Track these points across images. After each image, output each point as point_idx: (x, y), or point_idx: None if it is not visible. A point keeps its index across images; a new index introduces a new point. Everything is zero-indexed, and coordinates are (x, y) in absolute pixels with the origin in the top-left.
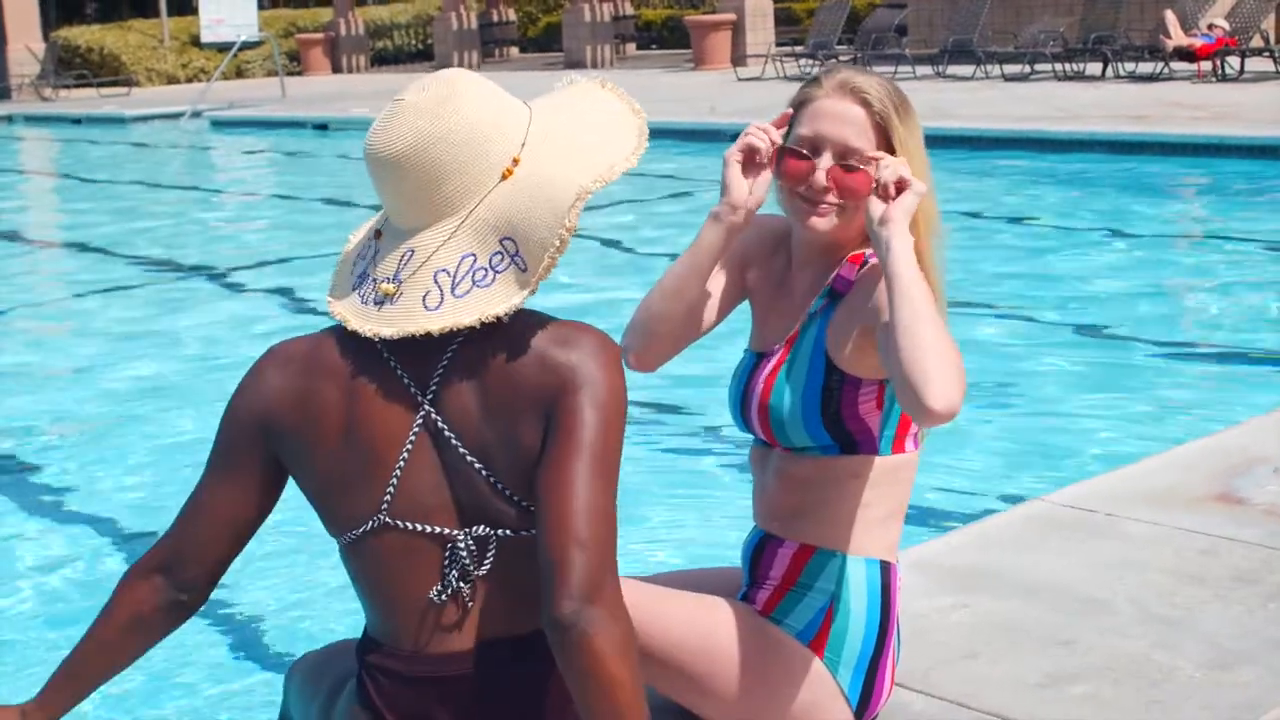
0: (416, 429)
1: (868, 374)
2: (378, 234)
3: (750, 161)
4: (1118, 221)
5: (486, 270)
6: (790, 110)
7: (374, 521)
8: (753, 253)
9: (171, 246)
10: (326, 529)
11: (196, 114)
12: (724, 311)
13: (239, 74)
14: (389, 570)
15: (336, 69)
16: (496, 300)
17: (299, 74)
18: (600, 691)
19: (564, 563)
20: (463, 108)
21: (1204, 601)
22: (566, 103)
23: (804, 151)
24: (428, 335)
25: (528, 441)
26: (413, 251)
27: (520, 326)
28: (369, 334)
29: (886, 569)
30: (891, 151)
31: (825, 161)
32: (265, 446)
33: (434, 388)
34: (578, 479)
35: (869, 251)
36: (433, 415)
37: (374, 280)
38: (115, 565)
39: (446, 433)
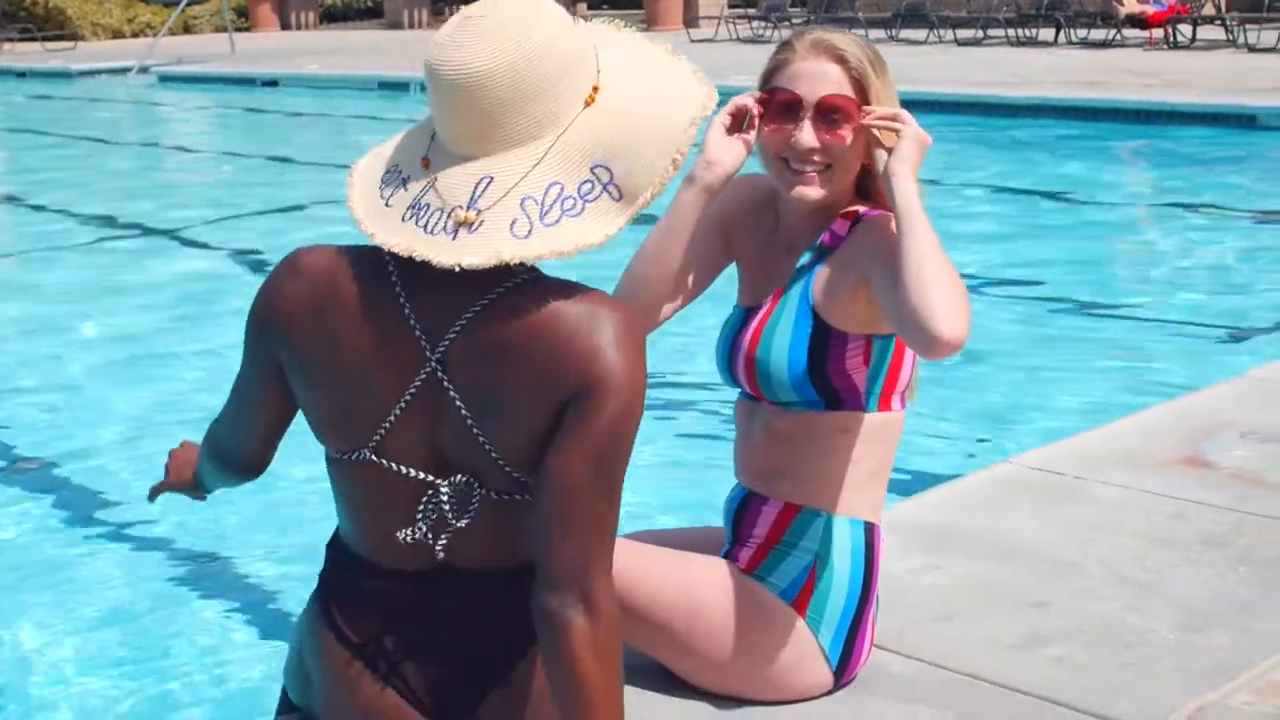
0: (419, 382)
1: (855, 328)
2: (425, 161)
3: (736, 126)
4: (1074, 187)
5: (575, 199)
6: (762, 96)
7: (360, 454)
8: (737, 212)
9: (121, 203)
10: (314, 434)
11: (144, 69)
12: (710, 274)
13: (186, 30)
14: (367, 499)
15: (285, 25)
16: (590, 230)
17: (247, 30)
18: (573, 687)
19: (556, 555)
20: (547, 28)
21: (1174, 565)
22: (611, 38)
23: (784, 111)
24: (521, 264)
25: (535, 423)
26: (491, 178)
27: (544, 296)
28: (449, 264)
29: (870, 530)
30: None
31: (808, 122)
32: (274, 351)
33: (445, 344)
34: (584, 478)
35: (862, 209)
36: (438, 373)
37: (443, 210)
38: (88, 530)
39: (451, 393)
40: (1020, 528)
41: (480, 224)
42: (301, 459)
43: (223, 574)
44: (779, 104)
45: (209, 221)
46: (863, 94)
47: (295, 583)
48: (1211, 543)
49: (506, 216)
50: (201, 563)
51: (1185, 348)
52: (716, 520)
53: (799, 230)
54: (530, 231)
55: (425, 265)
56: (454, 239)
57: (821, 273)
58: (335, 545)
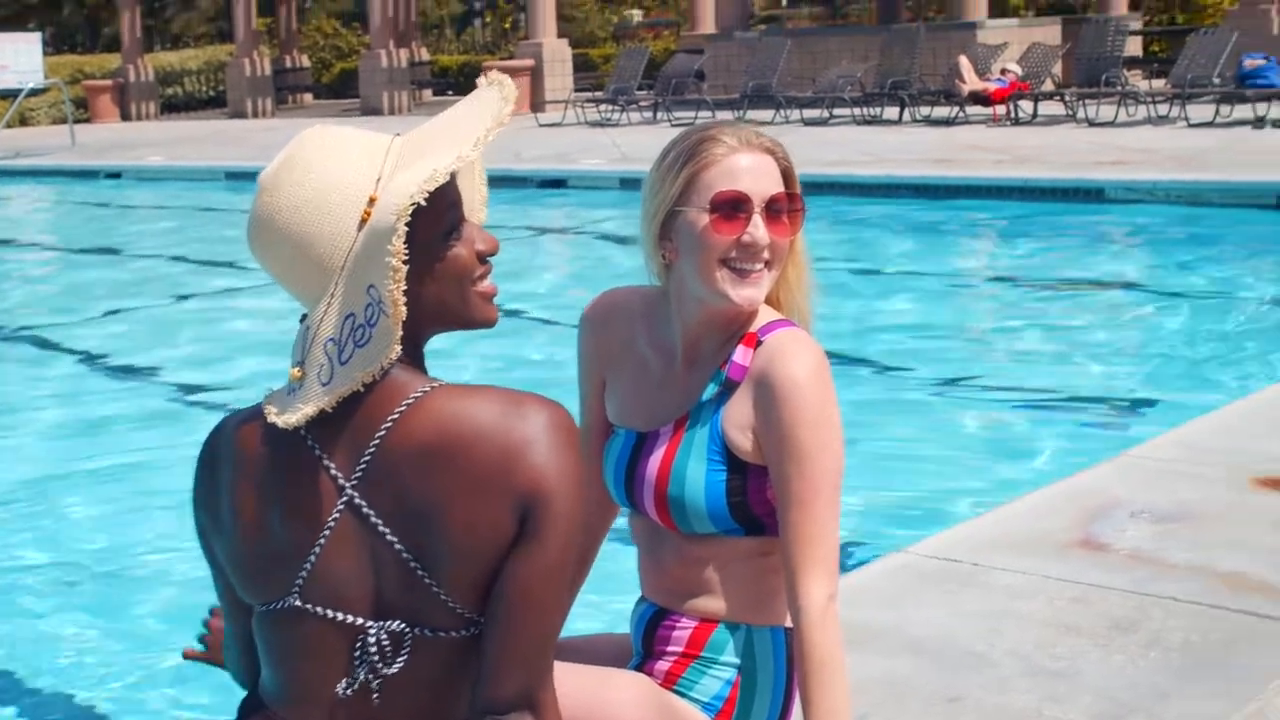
0: (338, 513)
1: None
2: (302, 318)
3: None
4: (929, 265)
5: (364, 327)
6: (718, 195)
7: (284, 602)
8: (605, 337)
9: None
10: (239, 593)
11: None
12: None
13: (23, 122)
14: (296, 652)
15: (126, 116)
16: (372, 356)
17: (87, 121)
18: None
19: (504, 674)
20: (301, 168)
21: (1084, 652)
22: (441, 117)
23: (735, 208)
24: (323, 413)
25: (474, 542)
26: (309, 329)
27: (462, 401)
28: (280, 424)
29: (789, 635)
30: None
31: (758, 218)
32: (205, 532)
33: (360, 472)
34: (532, 593)
35: (760, 329)
36: (356, 500)
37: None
38: None
39: (374, 519)
40: (923, 620)
41: (304, 377)
42: None
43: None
44: (726, 203)
45: (54, 319)
46: (791, 185)
47: None
48: (1119, 627)
49: (316, 366)
50: None
51: (1058, 426)
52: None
53: (701, 344)
54: (331, 376)
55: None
56: (289, 395)
57: (729, 411)
58: (250, 706)
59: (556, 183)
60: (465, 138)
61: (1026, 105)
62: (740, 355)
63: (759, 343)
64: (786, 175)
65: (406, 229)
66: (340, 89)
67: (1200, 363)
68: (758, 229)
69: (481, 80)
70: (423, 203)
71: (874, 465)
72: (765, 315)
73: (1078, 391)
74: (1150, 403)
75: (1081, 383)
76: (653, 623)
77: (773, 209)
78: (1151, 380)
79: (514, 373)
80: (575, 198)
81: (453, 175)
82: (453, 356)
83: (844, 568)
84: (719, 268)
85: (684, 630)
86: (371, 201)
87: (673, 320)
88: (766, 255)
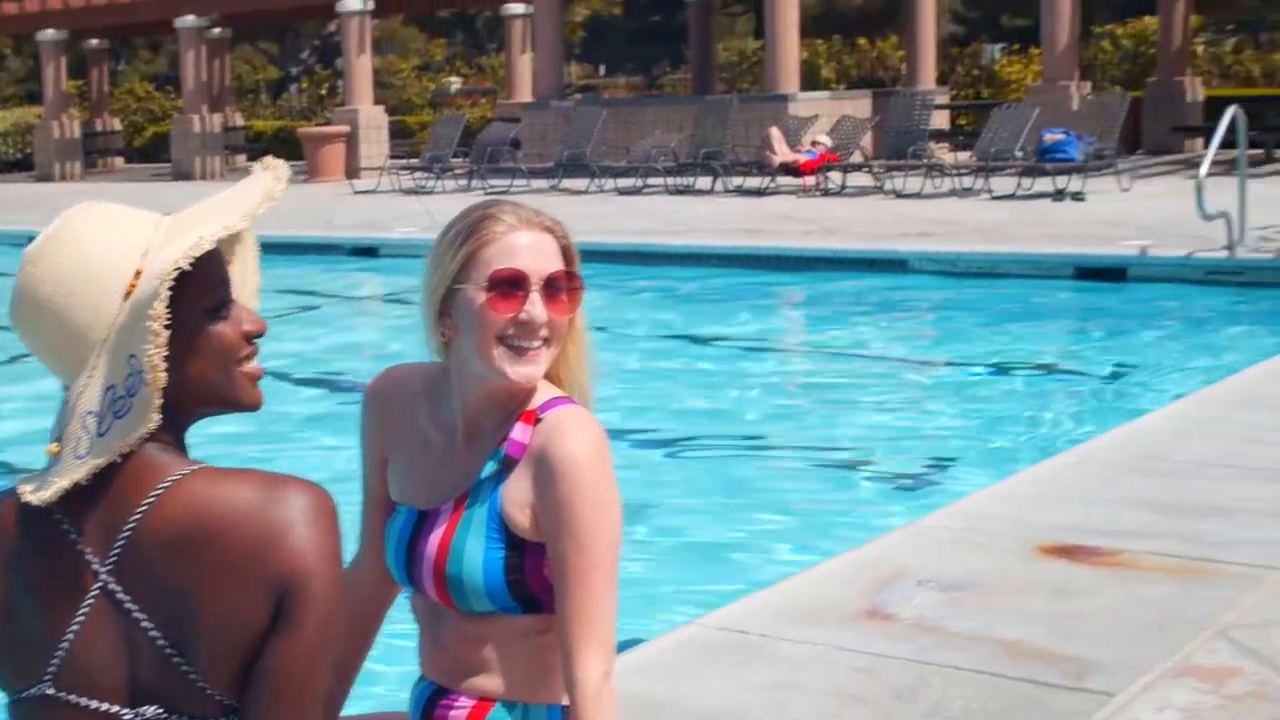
0: (92, 599)
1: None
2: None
3: None
4: (736, 334)
5: (124, 398)
6: (496, 273)
7: (37, 690)
8: (386, 426)
9: None
10: None
11: None
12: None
13: None
14: None
15: None
16: (131, 426)
17: None
18: None
19: None
20: (68, 242)
21: None
22: (212, 196)
23: (513, 286)
24: (79, 492)
25: (231, 627)
26: (68, 402)
27: (219, 487)
28: (33, 500)
29: (565, 712)
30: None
31: (536, 295)
32: None
33: (115, 556)
34: (291, 676)
35: (539, 406)
36: (111, 585)
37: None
38: None
39: (128, 605)
40: (712, 692)
41: (60, 453)
42: None
43: None
44: (504, 280)
45: None
46: (570, 263)
47: None
48: (901, 697)
49: (73, 440)
50: None
51: (854, 495)
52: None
53: (481, 422)
54: (89, 449)
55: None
56: (45, 472)
57: (508, 488)
58: None
59: (368, 250)
60: (233, 212)
61: (837, 176)
62: (519, 433)
63: (538, 420)
64: (566, 253)
65: (171, 299)
66: (152, 153)
67: (993, 432)
68: (535, 306)
69: (257, 165)
70: (188, 268)
71: (665, 536)
72: (545, 392)
73: (874, 460)
74: (944, 471)
75: (878, 452)
76: (431, 702)
77: (551, 287)
78: (946, 449)
79: (325, 440)
80: (387, 265)
81: (221, 255)
82: (261, 422)
83: (629, 642)
84: (496, 345)
85: (461, 710)
86: (138, 274)
87: (453, 397)
88: (545, 333)
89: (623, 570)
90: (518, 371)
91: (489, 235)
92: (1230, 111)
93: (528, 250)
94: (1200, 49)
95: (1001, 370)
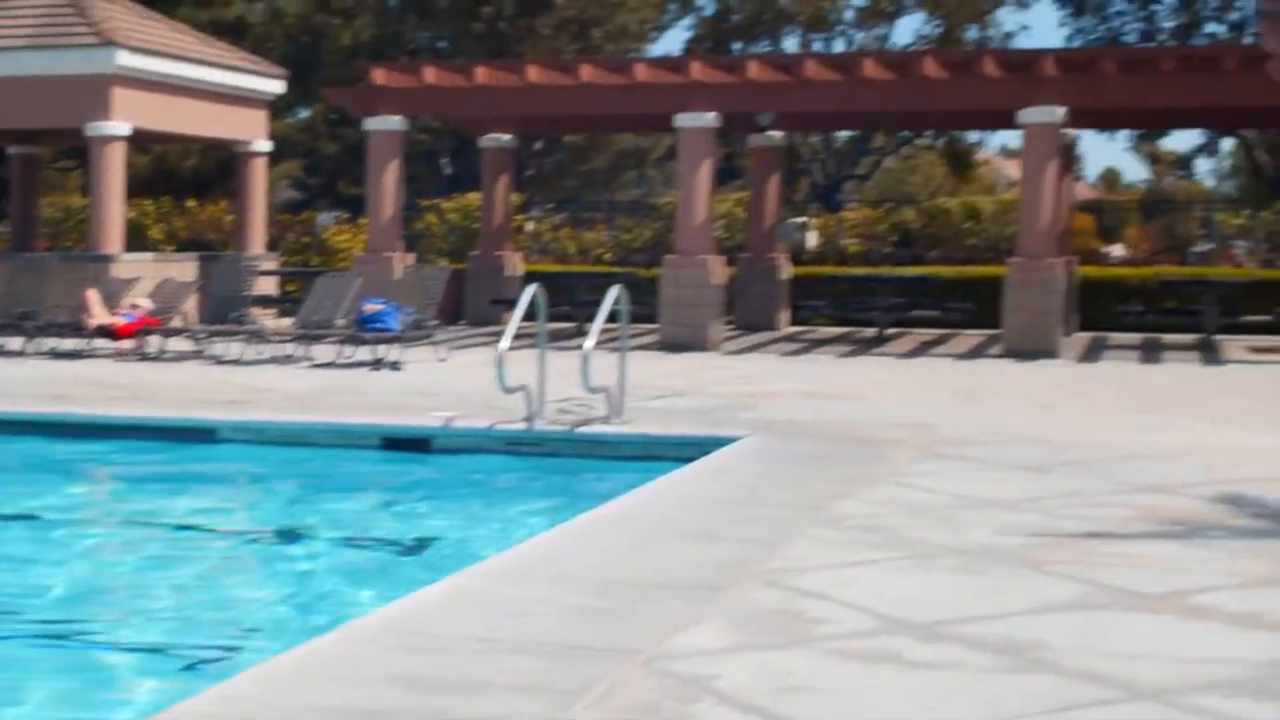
0: None
1: None
2: None
3: None
4: (30, 507)
5: None
6: None
7: None
8: None
9: None
10: None
11: None
12: None
13: None
14: None
15: None
16: None
17: None
18: None
19: None
20: None
21: None
22: None
23: None
24: None
25: None
26: None
27: None
28: None
29: None
30: None
31: None
32: None
33: None
34: None
35: None
36: None
37: None
38: None
39: None
40: None
41: None
42: None
43: None
44: None
45: None
46: None
47: None
48: None
49: None
50: None
51: (150, 668)
52: None
53: None
54: None
55: None
56: None
57: None
58: None
59: None
60: None
61: (157, 341)
62: None
63: None
64: None
65: None
66: None
67: (291, 605)
68: None
69: None
70: None
71: None
72: None
73: (152, 638)
74: (244, 646)
75: (160, 629)
76: None
77: None
78: (248, 622)
79: None
80: None
81: None
82: None
83: None
84: None
85: None
86: None
87: None
88: None
89: None
90: None
91: None
92: (530, 289)
93: None
94: (525, 225)
95: (303, 540)
